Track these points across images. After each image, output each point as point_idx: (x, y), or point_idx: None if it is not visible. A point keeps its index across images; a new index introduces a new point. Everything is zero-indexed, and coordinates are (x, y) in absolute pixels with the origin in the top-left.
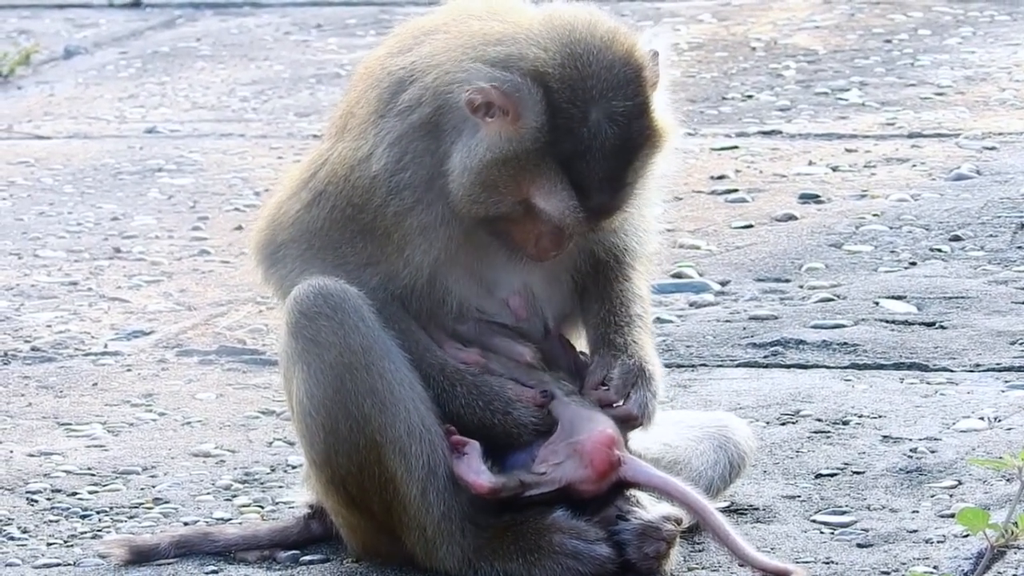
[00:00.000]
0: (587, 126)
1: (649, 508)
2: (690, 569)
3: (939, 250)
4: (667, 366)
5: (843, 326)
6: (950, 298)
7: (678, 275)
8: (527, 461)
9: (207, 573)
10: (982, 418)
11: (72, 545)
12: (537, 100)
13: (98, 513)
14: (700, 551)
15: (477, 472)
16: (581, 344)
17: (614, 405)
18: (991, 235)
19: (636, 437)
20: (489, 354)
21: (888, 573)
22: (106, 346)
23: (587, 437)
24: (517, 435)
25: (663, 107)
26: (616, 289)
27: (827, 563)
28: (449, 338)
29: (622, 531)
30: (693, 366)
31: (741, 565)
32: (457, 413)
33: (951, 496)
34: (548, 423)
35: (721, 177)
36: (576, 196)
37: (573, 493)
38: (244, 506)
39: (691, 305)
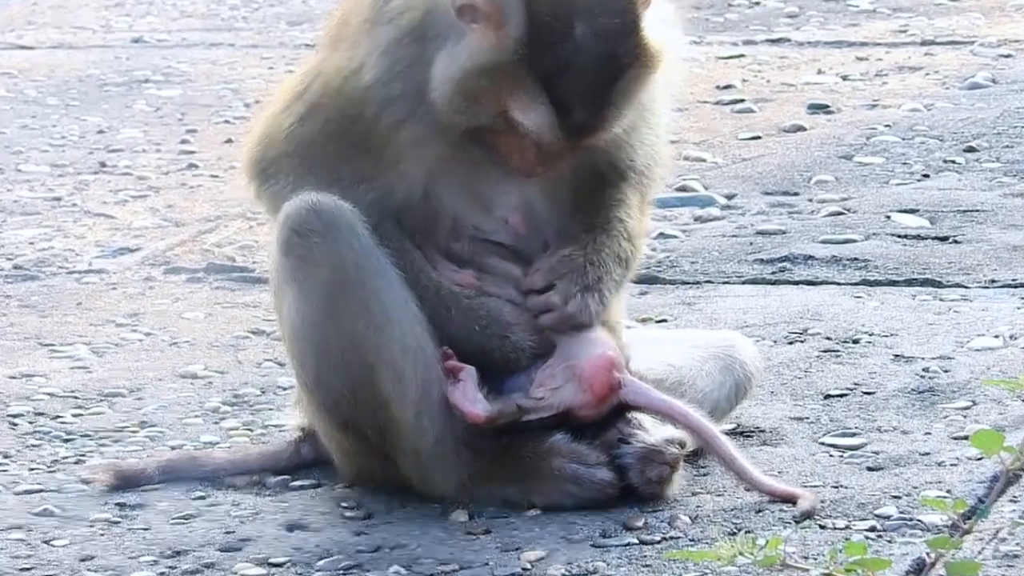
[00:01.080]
0: (570, 41)
1: (652, 431)
2: (694, 493)
3: (953, 161)
4: (671, 283)
5: (853, 241)
6: (964, 211)
7: (683, 188)
8: (525, 385)
9: (194, 499)
10: (997, 336)
11: (55, 470)
12: (520, 9)
13: (82, 437)
14: (704, 475)
15: (473, 400)
16: None
17: (536, 292)
18: (1007, 146)
19: (638, 358)
20: (486, 275)
21: (899, 497)
22: (91, 264)
23: (586, 360)
24: (515, 360)
25: (657, 23)
26: (602, 195)
27: (836, 487)
28: (444, 258)
29: (624, 455)
30: (698, 283)
31: (747, 489)
32: (453, 337)
33: (964, 417)
34: (547, 347)
35: (727, 87)
36: (555, 112)
37: (572, 418)
38: (233, 430)
39: (696, 220)
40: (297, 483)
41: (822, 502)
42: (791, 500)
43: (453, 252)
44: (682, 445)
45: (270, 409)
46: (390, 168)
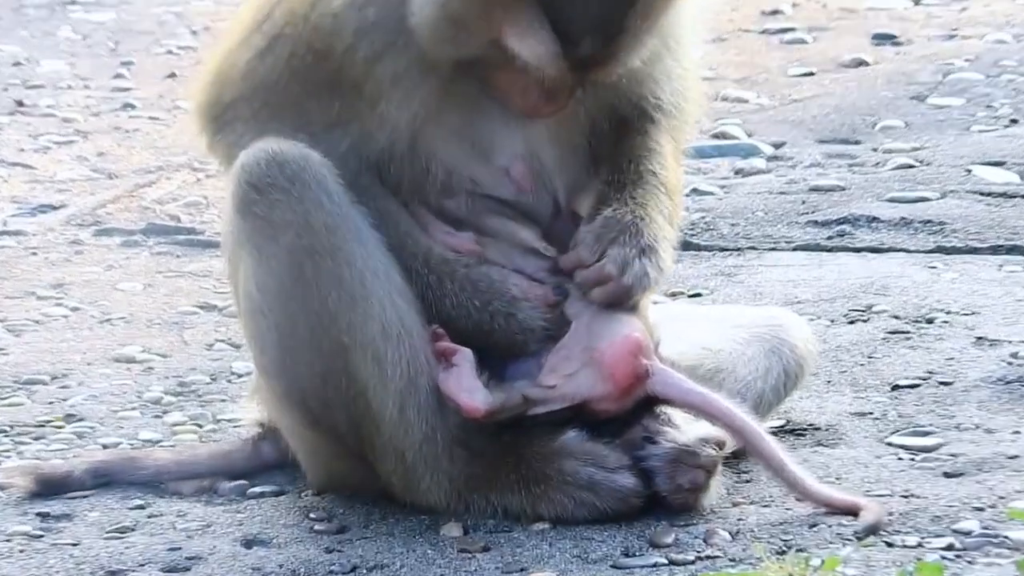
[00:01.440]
0: None
1: (684, 429)
2: (735, 504)
3: None
4: (706, 249)
5: (927, 199)
6: None
7: (721, 135)
8: (533, 372)
9: (132, 508)
10: None
11: None
12: None
13: None
14: (747, 482)
15: (470, 390)
16: None
17: (587, 266)
18: None
19: (668, 341)
20: (486, 239)
21: (981, 509)
22: (5, 223)
23: (607, 343)
24: (522, 342)
25: None
26: (629, 145)
27: (906, 496)
28: (436, 219)
29: (650, 457)
30: (739, 249)
31: (799, 500)
32: (447, 315)
33: None
34: (560, 327)
35: (775, 12)
36: (558, 41)
37: (590, 412)
38: (178, 425)
39: (737, 173)
40: (256, 489)
41: (889, 515)
42: (852, 512)
43: (446, 211)
44: (720, 446)
45: (223, 400)
46: (368, 110)
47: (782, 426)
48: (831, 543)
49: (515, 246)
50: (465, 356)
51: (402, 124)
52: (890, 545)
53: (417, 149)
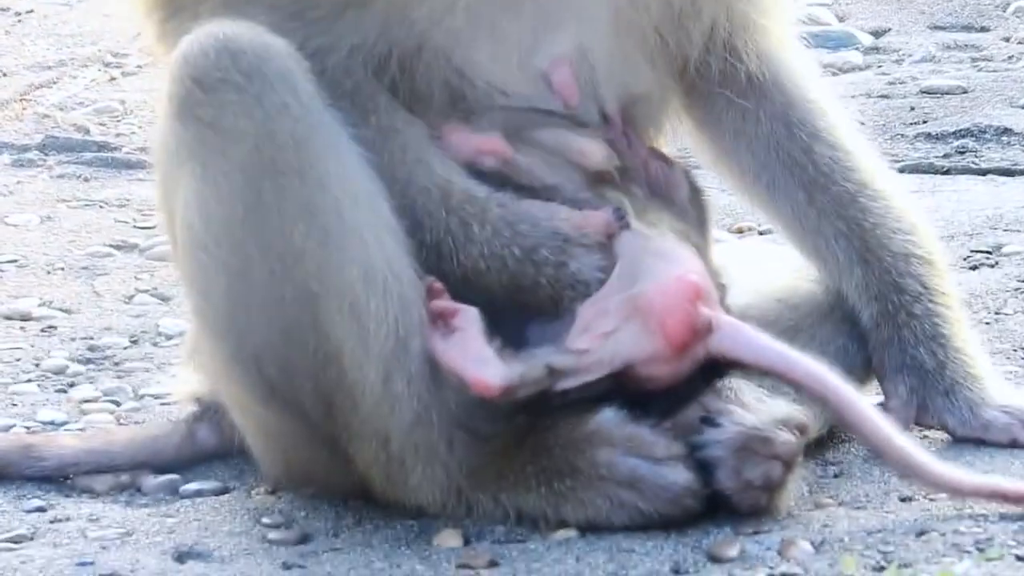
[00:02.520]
0: None
1: (755, 407)
2: (819, 506)
3: None
4: None
5: None
6: None
7: (804, 19)
8: (559, 334)
9: (29, 511)
10: None
11: None
12: None
13: None
14: (835, 477)
15: (479, 360)
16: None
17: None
18: None
19: (734, 291)
20: (527, 152)
21: None
22: None
23: (655, 285)
24: (571, 299)
25: None
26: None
27: None
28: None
29: (710, 444)
30: None
31: (925, 490)
32: (471, 268)
33: None
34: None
35: None
36: None
37: (634, 381)
38: (88, 402)
39: (826, 69)
40: (191, 486)
41: (1018, 520)
42: (1001, 499)
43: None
44: (802, 430)
45: (146, 369)
46: None
47: (882, 403)
48: (944, 556)
49: (566, 160)
50: (470, 317)
51: (430, 11)
52: (1021, 559)
53: (427, 46)
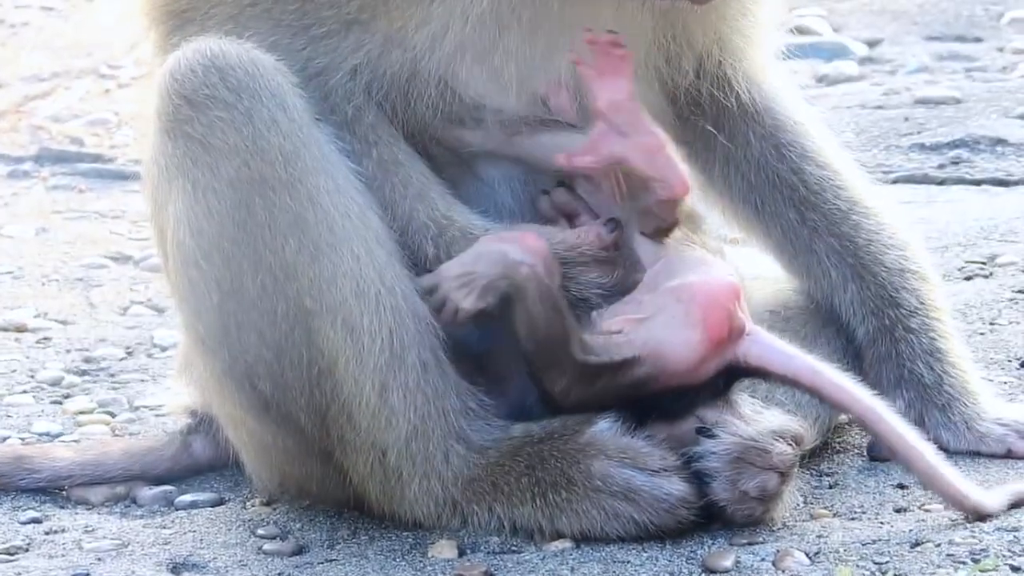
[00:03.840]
0: None
1: (751, 419)
2: (814, 517)
3: None
4: None
5: None
6: None
7: (799, 30)
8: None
9: (24, 523)
10: None
11: None
12: None
13: None
14: (829, 488)
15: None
16: None
17: None
18: None
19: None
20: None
21: None
22: None
23: (700, 280)
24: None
25: None
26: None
27: None
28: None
29: (706, 455)
30: None
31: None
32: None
33: None
34: (623, 290)
35: None
36: None
37: (653, 378)
38: (83, 413)
39: (820, 80)
40: (186, 498)
41: (1013, 530)
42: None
43: (466, 145)
44: (797, 441)
45: (141, 380)
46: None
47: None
48: (939, 566)
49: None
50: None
51: (442, 29)
52: (1016, 570)
53: (434, 71)
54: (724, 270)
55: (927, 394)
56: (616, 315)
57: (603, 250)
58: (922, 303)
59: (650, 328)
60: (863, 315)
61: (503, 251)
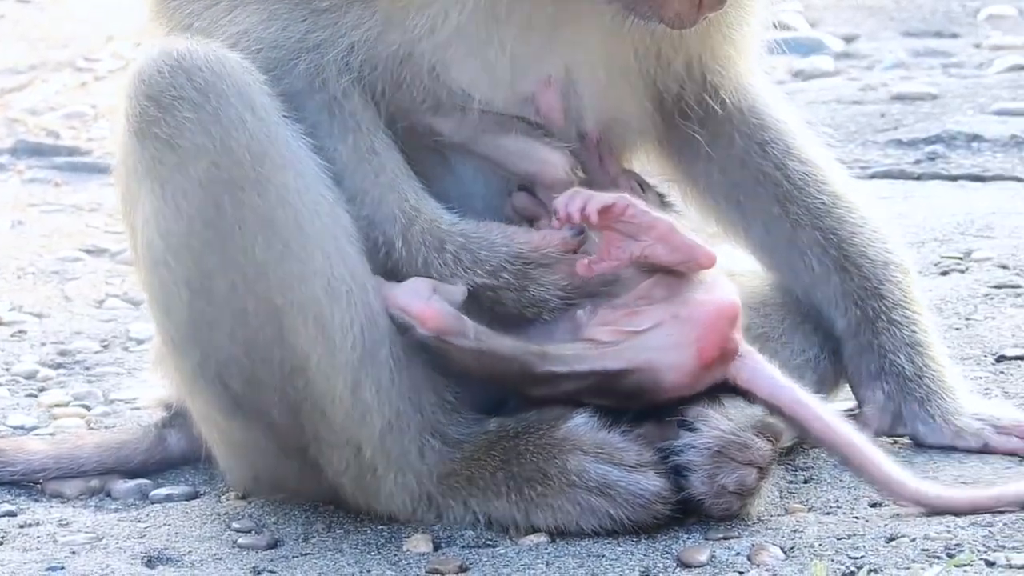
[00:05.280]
0: None
1: (731, 413)
2: (789, 512)
3: None
4: None
5: None
6: None
7: (775, 25)
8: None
9: None
10: None
11: None
12: None
13: None
14: (804, 483)
15: (420, 296)
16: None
17: None
18: None
19: None
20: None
21: None
22: None
23: (702, 300)
24: (533, 315)
25: None
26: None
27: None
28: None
29: (685, 449)
30: None
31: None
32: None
33: None
34: (584, 295)
35: None
36: None
37: (643, 392)
38: (58, 406)
39: (796, 75)
40: (161, 492)
41: (987, 526)
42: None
43: (436, 132)
44: (776, 437)
45: (117, 374)
46: None
47: (851, 409)
48: (914, 561)
49: (538, 173)
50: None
51: (442, 14)
52: (991, 564)
53: (427, 58)
54: (726, 290)
55: (907, 387)
56: (606, 321)
57: (567, 253)
58: (906, 296)
59: (644, 343)
60: (845, 306)
61: (395, 312)
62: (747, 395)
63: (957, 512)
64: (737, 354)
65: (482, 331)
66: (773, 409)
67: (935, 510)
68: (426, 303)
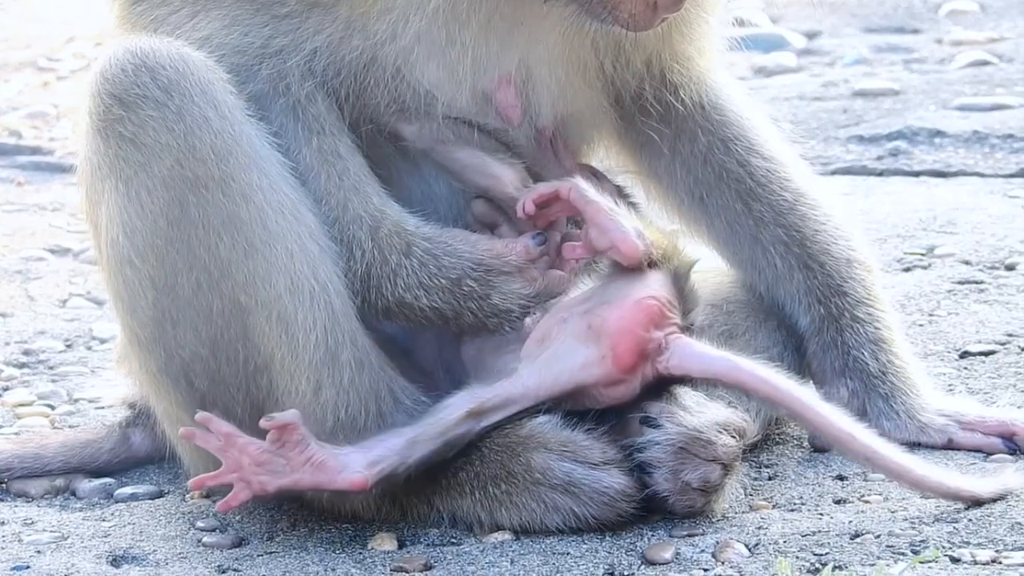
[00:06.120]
0: None
1: (695, 410)
2: (753, 508)
3: None
4: None
5: (1007, 107)
6: None
7: (736, 21)
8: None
9: None
10: None
11: None
12: None
13: None
14: (769, 479)
15: (338, 467)
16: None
17: None
18: None
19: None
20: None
21: None
22: None
23: (612, 308)
24: (496, 325)
25: None
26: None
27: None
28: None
29: (649, 445)
30: None
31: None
32: (396, 300)
33: None
34: (544, 301)
35: None
36: None
37: (589, 399)
38: (22, 406)
39: (758, 72)
40: (125, 491)
41: (952, 522)
42: (959, 500)
43: (400, 136)
44: (740, 434)
45: (80, 373)
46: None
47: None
48: (879, 558)
49: (498, 187)
50: (298, 425)
51: (403, 19)
52: (956, 561)
53: (390, 62)
54: (646, 288)
55: (871, 383)
56: (541, 331)
57: (529, 262)
58: (869, 293)
59: (561, 362)
60: (808, 303)
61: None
62: (684, 380)
63: (909, 479)
64: (662, 348)
65: (407, 448)
66: (713, 383)
67: (878, 462)
68: (362, 477)
